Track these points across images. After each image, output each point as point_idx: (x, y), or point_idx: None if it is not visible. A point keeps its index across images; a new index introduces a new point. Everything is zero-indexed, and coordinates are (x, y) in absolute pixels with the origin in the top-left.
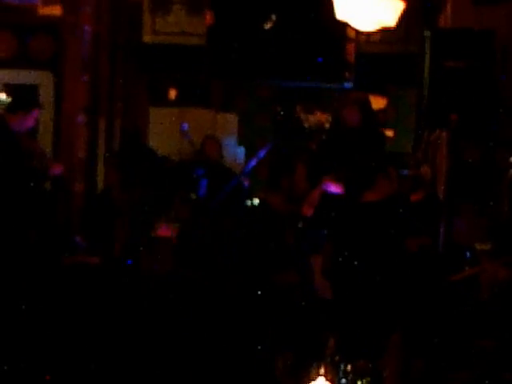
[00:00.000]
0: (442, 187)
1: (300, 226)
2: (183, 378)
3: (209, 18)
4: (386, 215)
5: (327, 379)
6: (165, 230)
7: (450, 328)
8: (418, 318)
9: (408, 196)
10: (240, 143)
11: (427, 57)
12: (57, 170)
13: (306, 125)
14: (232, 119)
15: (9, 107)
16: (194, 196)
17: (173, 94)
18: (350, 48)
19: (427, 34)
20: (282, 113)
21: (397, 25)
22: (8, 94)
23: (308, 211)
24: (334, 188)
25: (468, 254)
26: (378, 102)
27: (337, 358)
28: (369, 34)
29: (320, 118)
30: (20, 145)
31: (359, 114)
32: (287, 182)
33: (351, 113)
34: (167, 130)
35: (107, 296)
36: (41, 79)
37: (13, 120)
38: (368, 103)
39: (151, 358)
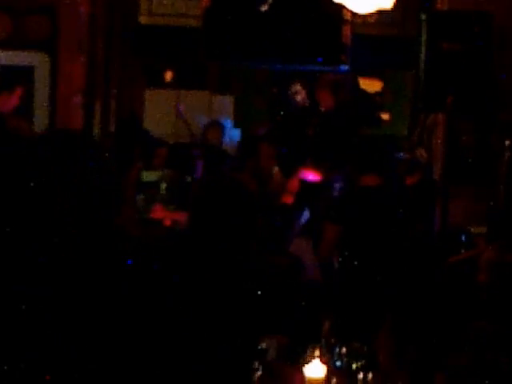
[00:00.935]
0: (438, 170)
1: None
2: (172, 362)
3: None
4: (385, 199)
5: (322, 362)
6: (159, 212)
7: (446, 311)
8: (413, 301)
9: (403, 179)
10: (236, 125)
11: (424, 39)
12: None
13: (299, 98)
14: (228, 101)
15: None
16: (189, 178)
17: (169, 76)
18: (346, 30)
19: (424, 16)
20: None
21: (393, 7)
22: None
23: (288, 199)
24: (312, 176)
25: (464, 237)
26: (374, 85)
27: (332, 340)
28: (365, 16)
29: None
30: (5, 125)
31: (332, 97)
32: (252, 161)
33: (324, 95)
34: (163, 112)
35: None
36: (36, 60)
37: None
38: (341, 85)
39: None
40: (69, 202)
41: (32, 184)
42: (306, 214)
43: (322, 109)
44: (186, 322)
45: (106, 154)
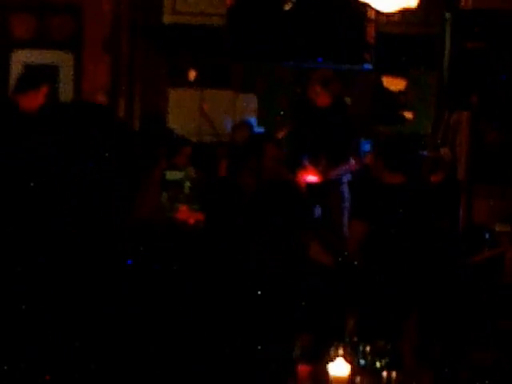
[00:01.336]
0: (462, 169)
1: None
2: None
3: None
4: (409, 197)
5: (346, 360)
6: (184, 213)
7: (470, 309)
8: (437, 299)
9: (428, 177)
10: (260, 124)
11: (448, 38)
12: None
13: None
14: (252, 100)
15: (17, 87)
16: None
17: (192, 74)
18: (370, 29)
19: (448, 15)
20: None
21: (418, 5)
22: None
23: None
24: (312, 178)
25: (488, 235)
26: (397, 84)
27: (356, 338)
28: (389, 15)
29: None
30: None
31: (326, 93)
32: (255, 161)
33: (314, 92)
34: (187, 111)
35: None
36: (61, 59)
37: (23, 100)
38: (332, 80)
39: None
40: (68, 201)
41: (31, 183)
42: (318, 211)
43: (318, 106)
44: (206, 321)
45: (107, 154)
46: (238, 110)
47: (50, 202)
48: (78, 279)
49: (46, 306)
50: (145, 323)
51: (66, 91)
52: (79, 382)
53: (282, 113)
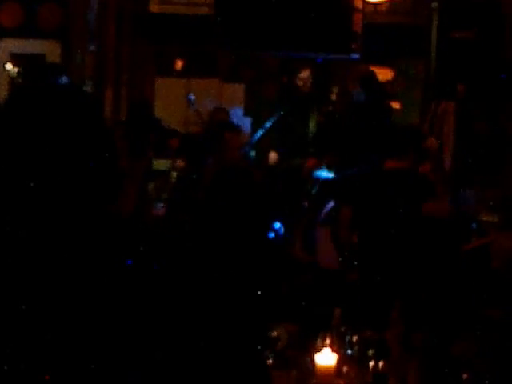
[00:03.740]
0: (449, 159)
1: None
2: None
3: None
4: (406, 184)
5: (333, 350)
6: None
7: (457, 298)
8: (423, 288)
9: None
10: (246, 114)
11: (434, 27)
12: None
13: (299, 83)
14: (239, 89)
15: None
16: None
17: (179, 64)
18: (357, 19)
19: (434, 5)
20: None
21: None
22: (15, 64)
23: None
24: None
25: (474, 225)
26: (385, 74)
27: (343, 328)
28: (376, 5)
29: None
30: None
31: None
32: (216, 153)
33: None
34: (174, 100)
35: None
36: (48, 48)
37: None
38: (373, 78)
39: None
40: (54, 193)
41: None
42: (331, 203)
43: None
44: (193, 313)
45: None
46: (225, 99)
47: (39, 193)
48: (77, 278)
49: (45, 306)
50: (144, 323)
51: None
52: (79, 381)
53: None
